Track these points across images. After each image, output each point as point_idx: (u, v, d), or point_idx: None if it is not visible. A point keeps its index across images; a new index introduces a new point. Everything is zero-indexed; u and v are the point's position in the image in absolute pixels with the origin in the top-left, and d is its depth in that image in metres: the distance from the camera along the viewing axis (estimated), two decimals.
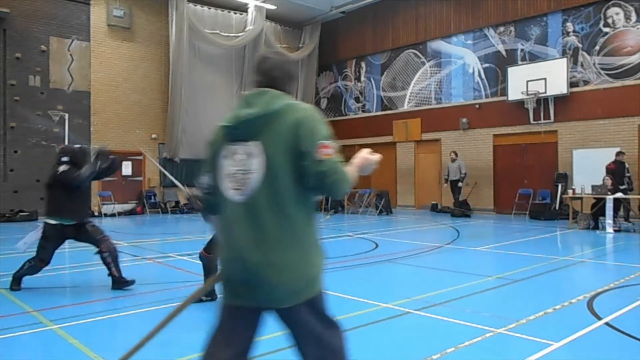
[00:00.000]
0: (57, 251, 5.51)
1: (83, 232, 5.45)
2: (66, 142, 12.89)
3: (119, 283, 5.42)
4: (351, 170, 2.02)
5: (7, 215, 13.69)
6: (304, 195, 1.94)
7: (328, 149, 1.89)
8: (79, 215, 5.44)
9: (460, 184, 14.83)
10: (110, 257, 5.38)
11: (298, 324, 1.97)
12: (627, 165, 11.39)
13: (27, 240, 5.56)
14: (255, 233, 1.89)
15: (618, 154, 11.42)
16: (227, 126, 2.01)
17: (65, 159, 5.47)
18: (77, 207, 5.41)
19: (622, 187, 10.85)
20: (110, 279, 5.47)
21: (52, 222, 5.33)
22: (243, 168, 1.95)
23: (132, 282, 5.49)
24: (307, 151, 1.87)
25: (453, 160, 15.02)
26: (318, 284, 2.00)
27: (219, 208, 2.05)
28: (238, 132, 1.97)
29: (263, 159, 1.90)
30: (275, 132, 1.91)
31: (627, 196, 10.79)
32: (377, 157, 2.15)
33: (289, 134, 1.90)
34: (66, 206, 5.31)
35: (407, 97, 17.63)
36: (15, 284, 5.44)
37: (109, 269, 5.40)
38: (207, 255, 4.77)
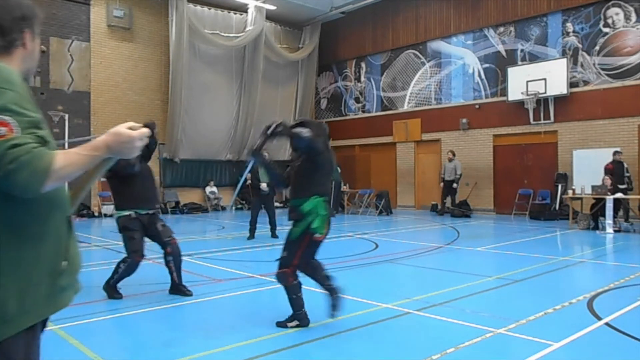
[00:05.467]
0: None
1: (153, 228, 5.23)
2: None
3: (177, 289, 5.24)
4: (79, 153, 1.39)
5: None
6: None
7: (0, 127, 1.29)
8: (152, 203, 5.29)
9: (455, 184, 14.82)
10: (173, 262, 5.21)
11: None
12: (625, 165, 11.37)
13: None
14: None
15: (615, 153, 11.40)
16: None
17: None
18: (145, 195, 5.21)
19: (621, 187, 10.84)
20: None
21: (125, 213, 5.10)
22: None
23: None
24: None
25: (450, 160, 15.03)
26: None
27: None
28: None
29: None
30: None
31: (626, 196, 10.78)
32: (139, 132, 1.49)
33: None
34: (137, 195, 5.14)
35: (407, 97, 17.63)
36: (114, 291, 5.11)
37: (170, 273, 5.24)
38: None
